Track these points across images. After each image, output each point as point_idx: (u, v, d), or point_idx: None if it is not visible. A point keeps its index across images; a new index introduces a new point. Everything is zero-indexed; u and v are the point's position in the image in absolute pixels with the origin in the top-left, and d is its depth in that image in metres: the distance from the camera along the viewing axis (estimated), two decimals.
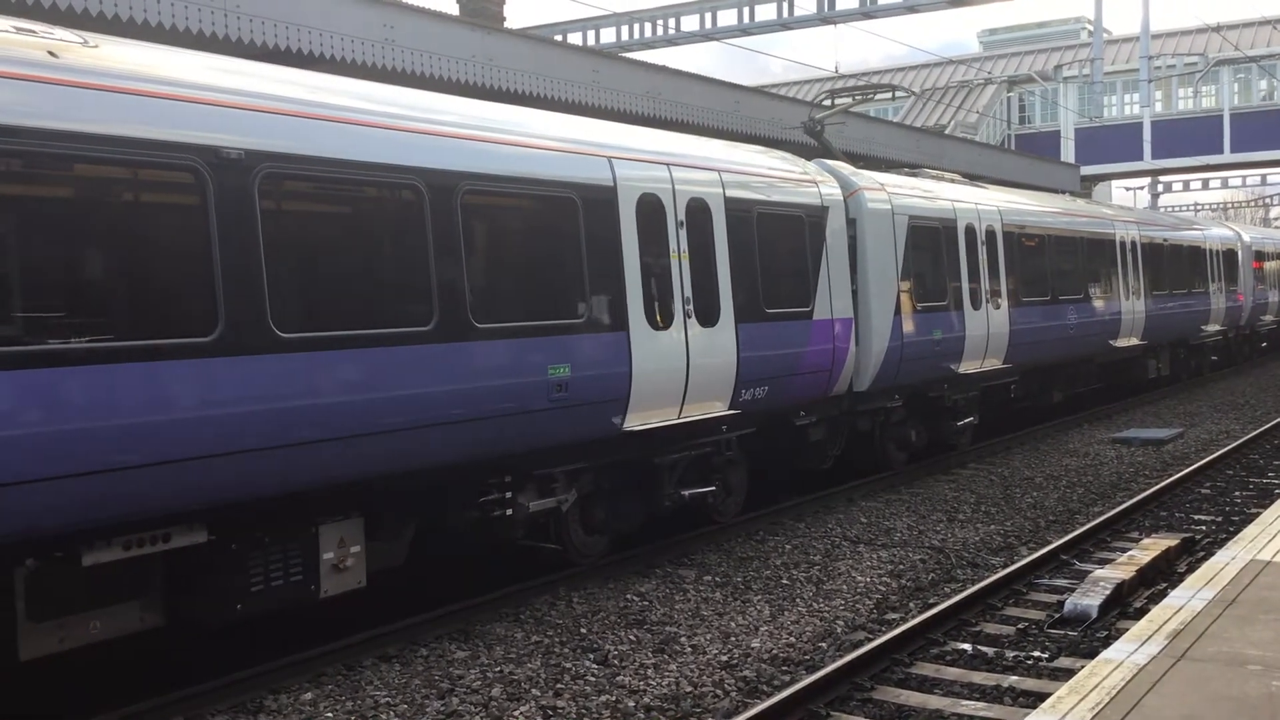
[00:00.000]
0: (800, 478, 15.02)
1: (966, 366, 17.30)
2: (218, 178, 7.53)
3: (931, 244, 16.48)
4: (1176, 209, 59.13)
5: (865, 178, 15.56)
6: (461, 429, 9.09)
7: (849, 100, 19.47)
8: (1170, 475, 16.40)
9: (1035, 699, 7.66)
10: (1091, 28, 41.97)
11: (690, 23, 29.73)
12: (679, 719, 7.76)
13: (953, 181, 18.75)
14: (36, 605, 7.20)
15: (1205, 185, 61.35)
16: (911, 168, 19.78)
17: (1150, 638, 7.10)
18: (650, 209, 11.14)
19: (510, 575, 10.69)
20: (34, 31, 7.11)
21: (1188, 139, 45.38)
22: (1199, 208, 66.35)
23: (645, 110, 18.80)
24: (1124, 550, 11.79)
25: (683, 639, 9.39)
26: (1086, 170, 43.69)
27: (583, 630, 9.62)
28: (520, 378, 9.59)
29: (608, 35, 30.52)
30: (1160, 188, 58.39)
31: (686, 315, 11.41)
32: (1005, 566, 11.41)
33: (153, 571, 7.86)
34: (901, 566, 11.74)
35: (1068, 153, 45.85)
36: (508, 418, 9.50)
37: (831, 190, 14.39)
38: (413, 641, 9.22)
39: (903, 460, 16.63)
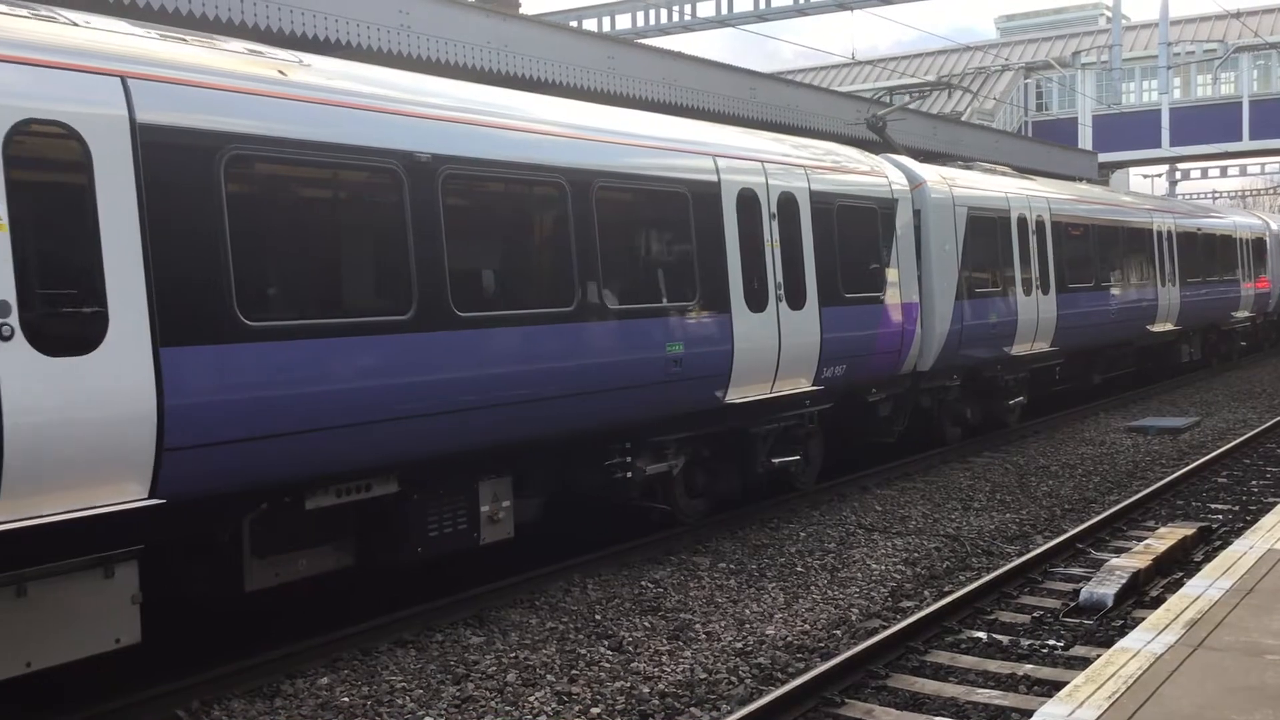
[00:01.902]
0: (868, 450, 16.03)
1: (1018, 349, 18.43)
2: (411, 179, 8.71)
3: (988, 233, 17.61)
4: (1194, 196, 58.81)
5: (929, 171, 16.68)
6: (597, 399, 10.23)
7: (906, 97, 20.83)
8: (1187, 464, 16.35)
9: (1051, 687, 7.64)
10: (1110, 14, 41.67)
11: (706, 8, 29.58)
12: (694, 705, 7.77)
13: (1004, 174, 19.76)
14: (259, 544, 8.40)
15: (1224, 173, 60.96)
16: (965, 160, 20.86)
17: (1167, 627, 7.08)
18: (747, 202, 12.24)
19: (524, 562, 10.71)
20: (262, 54, 8.26)
21: (1206, 126, 45.05)
22: (1217, 195, 65.94)
23: (661, 97, 18.75)
24: (1140, 539, 11.76)
25: (697, 626, 9.40)
26: (1104, 157, 43.42)
27: (597, 617, 9.64)
28: (644, 354, 10.76)
29: (623, 21, 30.41)
30: (1178, 175, 57.99)
31: (778, 299, 12.55)
32: (1021, 555, 11.38)
33: (347, 519, 8.98)
34: (916, 554, 11.72)
35: (1085, 140, 45.58)
36: (633, 389, 10.64)
37: (900, 183, 15.54)
38: (428, 627, 9.26)
39: (958, 436, 17.78)
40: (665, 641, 9.05)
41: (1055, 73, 47.80)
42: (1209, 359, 29.39)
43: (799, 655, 8.76)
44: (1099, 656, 6.74)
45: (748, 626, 9.42)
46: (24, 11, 6.98)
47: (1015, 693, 7.90)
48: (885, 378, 15.10)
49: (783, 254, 12.65)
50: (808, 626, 9.44)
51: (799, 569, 11.17)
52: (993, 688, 8.01)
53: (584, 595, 10.22)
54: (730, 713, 7.43)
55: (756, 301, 12.18)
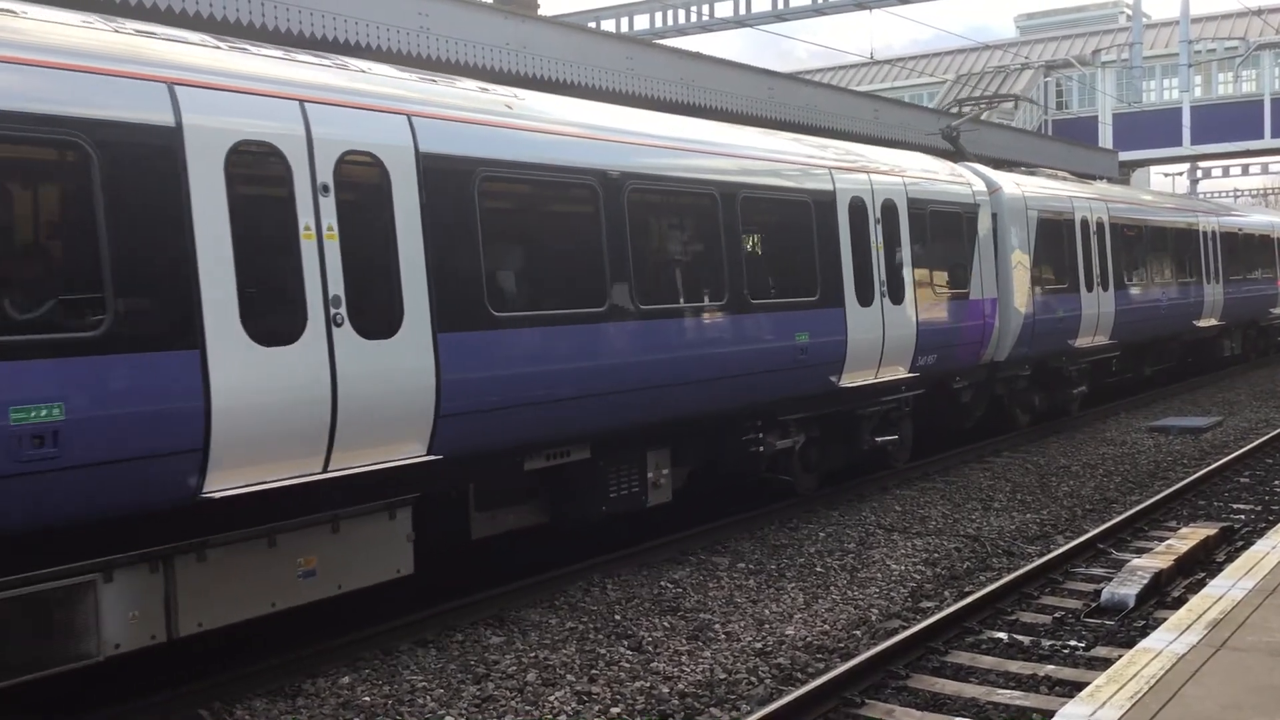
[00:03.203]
0: (949, 434, 17.39)
1: (1081, 341, 19.82)
2: (604, 192, 10.25)
3: (1055, 234, 19.04)
4: (1215, 195, 58.40)
5: (1004, 178, 18.21)
6: (740, 381, 11.73)
7: (978, 109, 22.92)
8: (1208, 464, 16.25)
9: (1072, 688, 7.61)
10: (1130, 12, 41.43)
11: (724, 9, 29.56)
12: (714, 705, 7.77)
13: (1065, 179, 21.21)
14: (481, 500, 10.08)
15: (1245, 171, 60.51)
16: (1029, 167, 22.44)
17: (1189, 627, 7.05)
18: (857, 209, 13.79)
19: (543, 563, 10.74)
20: (488, 90, 9.86)
21: (1227, 124, 44.75)
22: (1238, 194, 65.48)
23: (679, 97, 18.76)
24: (1162, 539, 11.70)
25: (716, 626, 9.41)
26: (1125, 156, 43.19)
27: (617, 617, 9.65)
28: (780, 342, 12.33)
29: (641, 22, 30.43)
30: (1199, 173, 57.62)
31: (882, 295, 14.08)
32: (1041, 555, 11.34)
33: (540, 482, 10.55)
34: (936, 555, 11.69)
35: (1106, 138, 45.34)
36: (769, 373, 12.16)
37: (980, 189, 17.04)
38: (448, 627, 9.29)
39: (1026, 421, 19.19)
40: (685, 641, 9.05)
41: (1075, 71, 47.57)
42: (1248, 354, 30.84)
43: (819, 655, 8.75)
44: (1120, 657, 6.71)
45: (767, 627, 9.42)
46: (329, 61, 8.76)
47: (1036, 693, 7.87)
48: (968, 367, 16.64)
49: (885, 254, 14.19)
50: (827, 627, 9.44)
51: (818, 569, 11.16)
52: (1014, 688, 7.99)
53: (603, 595, 10.24)
54: (750, 713, 7.43)
55: (864, 296, 13.71)
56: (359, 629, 8.98)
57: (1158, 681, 6.12)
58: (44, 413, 6.46)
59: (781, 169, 12.78)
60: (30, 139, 6.58)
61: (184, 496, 7.19)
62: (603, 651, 8.82)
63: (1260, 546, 9.05)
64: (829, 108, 23.02)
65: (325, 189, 8.02)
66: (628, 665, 8.54)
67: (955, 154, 19.81)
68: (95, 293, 6.76)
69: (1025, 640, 8.96)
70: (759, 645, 8.95)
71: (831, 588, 10.56)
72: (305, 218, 7.87)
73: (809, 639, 9.12)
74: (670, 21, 30.30)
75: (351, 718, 7.58)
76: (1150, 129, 45.29)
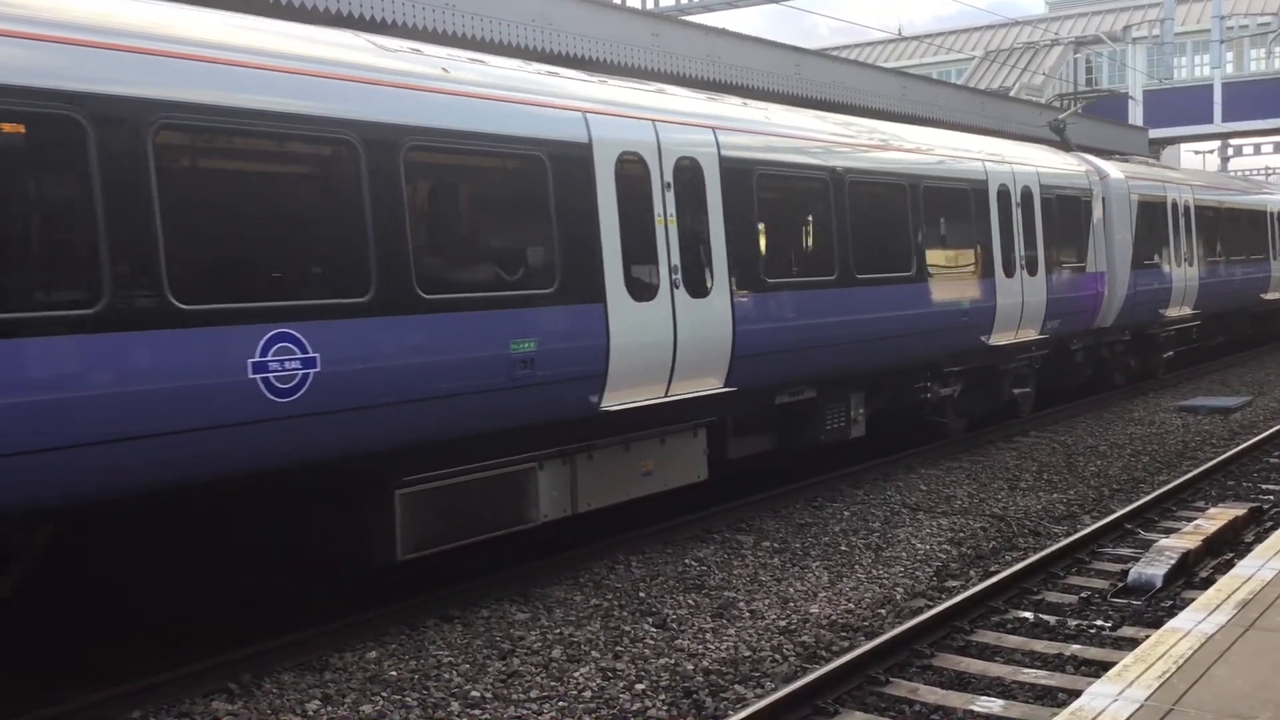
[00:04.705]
0: (1058, 392, 19.57)
1: (1170, 311, 22.20)
2: (833, 185, 12.79)
3: (1151, 216, 21.47)
4: (1247, 173, 57.73)
5: (1111, 166, 20.58)
6: (919, 339, 14.28)
7: (1080, 102, 26.74)
8: (1238, 444, 16.13)
9: (1098, 668, 7.58)
10: None
11: None
12: (738, 682, 7.78)
13: (1153, 165, 24.03)
14: (736, 428, 12.37)
15: (1277, 148, 59.73)
16: (1122, 155, 25.11)
17: (1218, 607, 7.00)
18: (1003, 195, 16.36)
19: (568, 541, 10.76)
20: (766, 109, 12.89)
21: (1260, 101, 44.09)
22: (1270, 172, 64.70)
23: (705, 74, 18.65)
24: (1190, 520, 11.62)
25: (741, 604, 9.41)
26: (1155, 133, 42.69)
27: (641, 594, 9.67)
28: (950, 307, 14.87)
29: None
30: (1230, 151, 56.95)
31: (1021, 268, 16.56)
32: (1068, 535, 11.30)
33: (776, 416, 12.84)
34: (962, 534, 11.66)
35: (1135, 115, 44.83)
36: (939, 332, 14.67)
37: (1093, 175, 19.54)
38: (474, 603, 9.33)
39: (1122, 382, 21.68)
40: (709, 619, 9.07)
41: (1105, 47, 47.05)
42: None
43: (843, 634, 8.75)
44: (1148, 637, 6.67)
45: (791, 605, 9.42)
46: (652, 87, 11.50)
47: (1062, 673, 7.85)
48: (1083, 331, 19.21)
49: (1024, 232, 16.71)
50: (852, 605, 9.43)
51: (843, 548, 11.14)
52: (1039, 667, 7.97)
53: (628, 573, 10.26)
54: (775, 690, 7.44)
55: (1009, 269, 16.21)
56: (385, 604, 9.04)
57: (1186, 661, 6.08)
58: (527, 345, 9.08)
59: (949, 163, 15.37)
60: (508, 154, 9.25)
61: (591, 410, 9.88)
62: (627, 628, 8.85)
63: None
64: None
65: (668, 186, 10.59)
66: (652, 642, 8.56)
67: (1061, 144, 22.17)
68: (549, 261, 9.45)
69: (1051, 620, 8.93)
70: (783, 623, 8.96)
71: (856, 566, 10.54)
72: (658, 208, 10.47)
73: (833, 617, 9.12)
74: None
75: (378, 691, 7.63)
76: (1181, 106, 44.73)
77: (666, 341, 10.43)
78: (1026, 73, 42.33)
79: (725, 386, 11.16)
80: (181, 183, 7.15)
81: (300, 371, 7.52)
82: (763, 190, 11.76)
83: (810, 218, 12.75)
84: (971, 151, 16.16)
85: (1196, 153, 59.85)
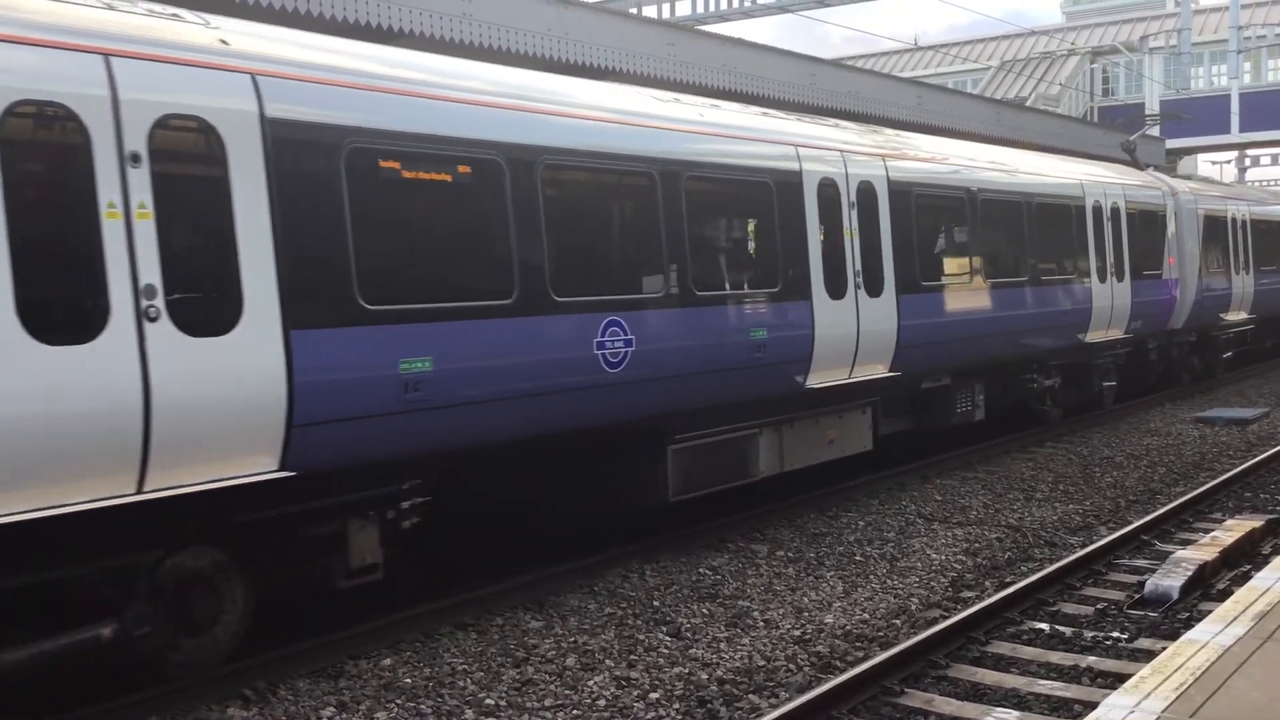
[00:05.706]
0: (1135, 387, 21.42)
1: (1230, 315, 24.61)
2: (969, 202, 15.23)
3: (1214, 228, 23.91)
4: (1265, 184, 57.44)
5: (1180, 183, 23.36)
6: (1032, 335, 16.66)
7: (1147, 123, 29.67)
8: (1255, 455, 16.04)
9: (1114, 680, 7.55)
10: None
11: None
12: (752, 692, 7.77)
13: (1213, 181, 26.23)
14: (885, 409, 14.05)
15: None
16: (1155, 167, 27.72)
17: (1235, 619, 6.97)
18: (1096, 211, 18.83)
19: (582, 549, 10.77)
20: (880, 131, 14.64)
21: (1277, 111, 43.94)
22: None
23: (722, 84, 18.67)
24: (1206, 531, 11.56)
25: (755, 613, 9.40)
26: (1172, 144, 42.53)
27: (655, 603, 9.67)
28: (1052, 308, 17.19)
29: (683, 8, 30.29)
30: (1248, 161, 56.68)
31: (1111, 273, 19.02)
32: (1084, 546, 11.25)
33: (914, 400, 14.80)
34: (977, 545, 11.62)
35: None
36: (1047, 329, 17.13)
37: (1166, 192, 22.01)
38: (488, 611, 9.34)
39: (1187, 380, 23.55)
40: (723, 628, 9.06)
41: (1122, 57, 46.93)
42: None
43: (858, 644, 8.73)
44: (1165, 649, 6.65)
45: (806, 614, 9.40)
46: (820, 120, 13.59)
47: (1078, 684, 7.81)
48: (1158, 332, 21.40)
49: (1112, 242, 19.16)
50: (867, 615, 9.41)
51: (858, 558, 11.12)
52: (1055, 679, 7.93)
53: (642, 581, 10.26)
54: (789, 700, 7.42)
55: (1101, 275, 18.64)
56: (399, 611, 9.05)
57: (1203, 673, 6.06)
58: (760, 333, 11.37)
59: (1052, 183, 17.68)
60: (750, 182, 11.60)
61: (799, 387, 12.07)
62: (641, 637, 8.84)
63: None
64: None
65: (852, 205, 12.81)
66: (666, 651, 8.56)
67: (1134, 162, 24.90)
68: (774, 267, 11.74)
69: (1067, 631, 8.89)
70: (798, 633, 8.94)
71: (871, 576, 10.52)
72: (846, 223, 12.74)
73: (848, 627, 9.10)
74: (712, 7, 30.14)
75: (393, 699, 7.65)
76: (1198, 116, 44.56)
77: (851, 333, 12.68)
78: (1043, 83, 42.23)
79: (890, 371, 13.35)
80: (558, 210, 9.43)
81: (624, 350, 9.87)
82: (918, 208, 13.93)
83: (952, 230, 15.05)
84: (1072, 172, 18.67)
85: (1214, 163, 59.56)
